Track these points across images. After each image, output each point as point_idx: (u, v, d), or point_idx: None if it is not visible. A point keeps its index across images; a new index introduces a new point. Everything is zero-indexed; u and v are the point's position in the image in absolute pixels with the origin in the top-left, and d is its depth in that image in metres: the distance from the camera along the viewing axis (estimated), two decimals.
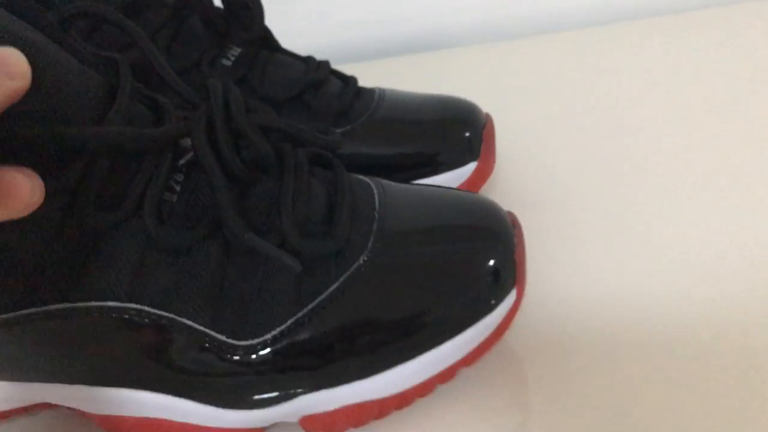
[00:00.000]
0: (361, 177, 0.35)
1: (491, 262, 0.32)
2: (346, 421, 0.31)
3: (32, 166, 0.24)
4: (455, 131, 0.43)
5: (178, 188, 0.29)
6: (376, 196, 0.33)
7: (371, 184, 0.34)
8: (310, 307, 0.30)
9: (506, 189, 0.47)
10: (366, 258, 0.31)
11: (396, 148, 0.41)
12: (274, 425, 0.32)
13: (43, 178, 0.24)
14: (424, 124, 0.42)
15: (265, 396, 0.30)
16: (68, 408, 0.32)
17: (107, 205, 0.27)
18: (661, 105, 0.55)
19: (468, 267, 0.32)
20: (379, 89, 0.44)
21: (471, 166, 0.43)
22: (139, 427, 0.31)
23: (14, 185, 0.23)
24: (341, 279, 0.30)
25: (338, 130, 0.41)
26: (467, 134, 0.43)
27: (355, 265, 0.30)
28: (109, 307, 0.28)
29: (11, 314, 0.28)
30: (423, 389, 0.32)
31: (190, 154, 0.29)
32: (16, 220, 0.24)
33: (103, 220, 0.27)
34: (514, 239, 0.33)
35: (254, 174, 0.31)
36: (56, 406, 0.33)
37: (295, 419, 0.31)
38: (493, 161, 0.45)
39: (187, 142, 0.30)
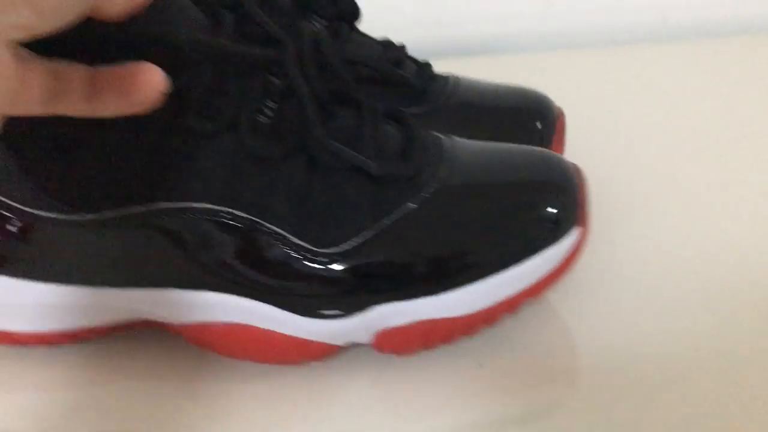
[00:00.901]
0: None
1: (556, 197, 0.34)
2: (417, 339, 0.33)
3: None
4: (528, 120, 0.44)
5: (269, 113, 0.32)
6: (445, 141, 0.36)
7: (440, 134, 0.37)
8: (386, 222, 0.32)
9: None
10: (437, 185, 0.33)
11: (469, 133, 0.43)
12: (349, 348, 0.34)
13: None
14: (497, 111, 0.44)
15: (343, 304, 0.32)
16: (160, 327, 0.35)
17: (208, 115, 0.30)
18: (719, 118, 0.57)
19: (533, 201, 0.34)
20: (453, 76, 0.46)
21: None
22: (225, 333, 0.33)
23: (147, 76, 0.26)
24: (414, 200, 0.32)
25: (414, 109, 0.43)
26: (538, 124, 0.44)
27: (428, 190, 0.33)
28: (204, 209, 0.31)
29: (116, 211, 0.31)
30: (489, 316, 0.34)
31: (281, 84, 0.32)
32: (128, 118, 0.27)
33: (204, 127, 0.30)
34: (577, 183, 0.35)
35: (335, 107, 0.33)
36: (150, 324, 0.35)
37: (368, 337, 0.33)
38: (562, 154, 0.46)
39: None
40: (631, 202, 0.46)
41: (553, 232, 0.34)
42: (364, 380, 0.34)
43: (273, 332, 0.33)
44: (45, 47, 0.24)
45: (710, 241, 0.42)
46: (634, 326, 0.36)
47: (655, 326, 0.36)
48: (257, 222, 0.31)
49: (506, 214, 0.33)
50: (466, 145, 0.36)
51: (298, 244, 0.31)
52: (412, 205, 0.32)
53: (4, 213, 0.32)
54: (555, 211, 0.34)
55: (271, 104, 0.32)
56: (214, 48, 0.30)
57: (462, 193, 0.33)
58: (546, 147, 0.43)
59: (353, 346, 0.34)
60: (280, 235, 0.31)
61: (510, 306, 0.34)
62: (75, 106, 0.25)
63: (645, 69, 0.68)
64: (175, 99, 0.29)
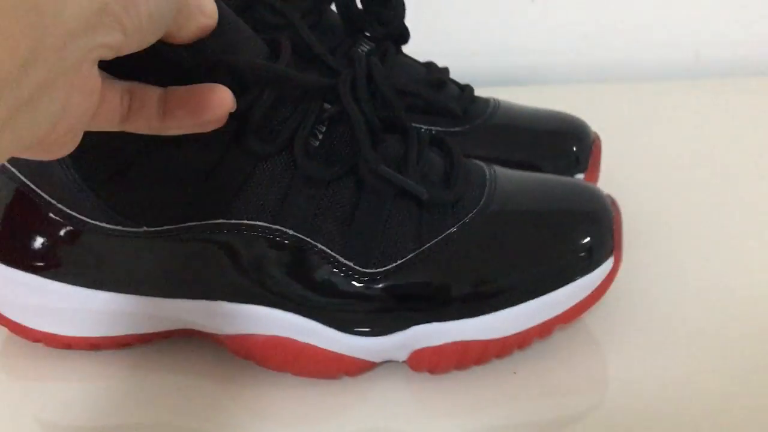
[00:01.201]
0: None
1: (591, 228, 0.35)
2: (451, 359, 0.34)
3: None
4: (564, 143, 0.46)
5: (320, 136, 0.34)
6: (486, 170, 0.37)
7: (481, 162, 0.38)
8: (428, 245, 0.33)
9: None
10: (478, 212, 0.34)
11: (508, 153, 0.44)
12: (384, 364, 0.36)
13: None
14: (535, 133, 0.46)
15: (383, 322, 0.33)
16: (202, 335, 0.36)
17: (265, 137, 0.32)
18: (747, 153, 0.58)
19: (570, 230, 0.35)
20: (494, 99, 0.48)
21: (578, 178, 0.45)
22: (267, 345, 0.34)
23: (218, 96, 0.27)
24: (456, 226, 0.34)
25: (455, 129, 0.45)
26: (575, 147, 0.46)
27: (469, 216, 0.34)
28: (258, 226, 0.32)
29: (174, 226, 0.32)
30: (522, 339, 0.35)
31: (332, 110, 0.34)
32: (191, 137, 0.29)
33: (262, 149, 0.32)
34: (612, 214, 0.36)
35: (383, 133, 0.35)
36: (193, 333, 0.37)
37: (404, 356, 0.34)
38: (597, 178, 0.48)
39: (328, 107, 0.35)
40: (661, 228, 0.47)
41: (587, 261, 0.35)
42: (399, 383, 0.35)
43: (313, 346, 0.34)
44: (120, 67, 0.26)
45: (740, 272, 0.43)
46: (662, 349, 0.37)
47: (681, 351, 0.37)
48: (306, 240, 0.32)
49: (543, 243, 0.34)
50: (505, 174, 0.37)
51: (344, 264, 0.33)
52: (452, 230, 0.34)
53: (63, 221, 0.33)
54: (590, 241, 0.35)
55: (321, 128, 0.34)
56: (274, 74, 0.31)
57: (501, 220, 0.35)
58: (582, 170, 0.45)
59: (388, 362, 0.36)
60: (328, 253, 0.33)
61: (543, 331, 0.35)
62: (148, 124, 0.27)
63: (677, 103, 0.69)
64: (235, 121, 0.31)
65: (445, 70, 0.47)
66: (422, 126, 0.43)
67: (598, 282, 0.36)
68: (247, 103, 0.31)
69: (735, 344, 0.37)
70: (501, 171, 0.38)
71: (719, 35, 0.78)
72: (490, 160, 0.41)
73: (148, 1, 0.22)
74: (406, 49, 0.47)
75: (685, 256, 0.44)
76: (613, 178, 0.48)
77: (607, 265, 0.36)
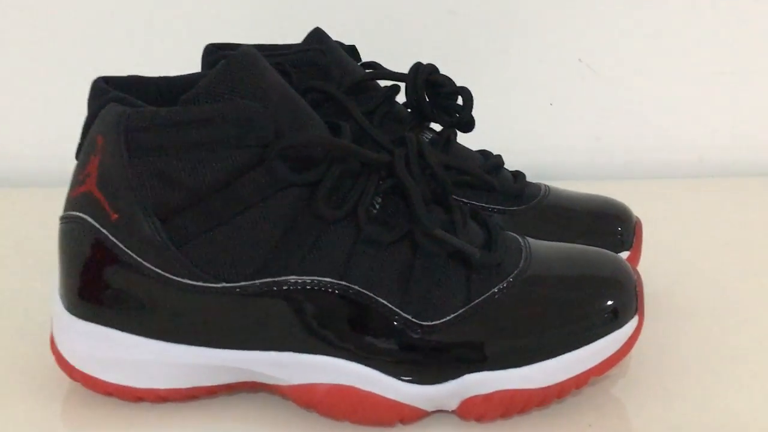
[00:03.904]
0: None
1: (618, 291, 0.39)
2: (498, 408, 0.38)
3: (297, 163, 0.35)
4: (609, 225, 0.51)
5: (377, 206, 0.39)
6: (520, 239, 0.42)
7: (515, 233, 0.43)
8: (475, 302, 0.37)
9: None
10: (517, 274, 0.39)
11: (560, 233, 0.48)
12: (434, 414, 0.39)
13: (298, 171, 0.35)
14: (585, 215, 0.51)
15: (437, 371, 0.37)
16: (266, 388, 0.40)
17: (332, 204, 0.37)
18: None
19: (599, 294, 0.39)
20: (545, 184, 0.53)
21: (623, 255, 0.49)
22: (330, 393, 0.37)
23: None
24: (499, 286, 0.38)
25: (513, 209, 0.49)
26: (619, 228, 0.50)
27: (510, 278, 0.39)
28: (326, 282, 0.37)
29: (250, 282, 0.37)
30: (560, 390, 0.38)
31: (388, 183, 0.39)
32: (268, 202, 0.35)
33: (330, 214, 0.36)
34: (635, 279, 0.41)
35: (431, 205, 0.40)
36: (257, 386, 0.40)
37: (455, 404, 0.38)
38: (639, 257, 0.52)
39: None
40: (682, 302, 0.52)
41: (615, 319, 0.39)
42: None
43: (373, 394, 0.37)
44: None
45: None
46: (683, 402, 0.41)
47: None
48: (369, 295, 0.37)
49: (577, 303, 0.39)
50: (539, 243, 0.42)
51: (404, 317, 0.37)
52: (495, 290, 0.38)
53: (145, 277, 0.37)
54: (617, 302, 0.39)
55: (378, 200, 0.39)
56: (341, 149, 0.37)
57: (537, 282, 0.39)
58: (627, 248, 0.50)
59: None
60: (388, 307, 0.37)
61: (578, 382, 0.39)
62: None
63: (681, 201, 0.76)
64: (308, 189, 0.36)
65: (499, 157, 0.52)
66: (480, 204, 0.48)
67: (626, 338, 0.39)
68: (318, 174, 0.36)
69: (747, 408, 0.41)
70: (533, 241, 0.42)
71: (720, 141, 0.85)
72: (544, 239, 0.44)
73: None
74: None
75: (704, 332, 0.49)
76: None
77: (632, 324, 0.40)
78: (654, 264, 0.51)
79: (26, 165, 0.81)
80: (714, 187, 0.80)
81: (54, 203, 0.44)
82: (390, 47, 0.66)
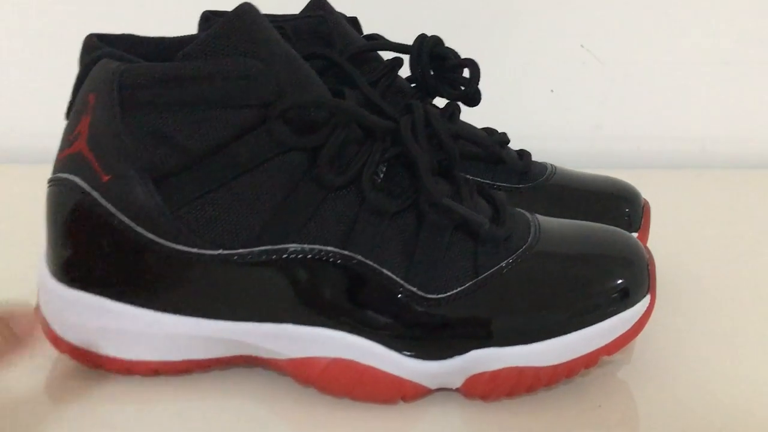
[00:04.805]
0: None
1: (628, 270, 0.38)
2: (505, 385, 0.36)
3: (299, 126, 0.33)
4: (619, 206, 0.49)
5: (382, 175, 0.37)
6: (528, 215, 0.40)
7: (523, 210, 0.42)
8: (483, 276, 0.36)
9: None
10: (526, 248, 0.37)
11: (566, 212, 0.47)
12: (437, 392, 0.37)
13: (300, 135, 0.34)
14: (592, 195, 0.49)
15: (443, 346, 0.35)
16: (262, 363, 0.38)
17: (335, 171, 0.35)
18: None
19: (611, 271, 0.38)
20: (550, 164, 0.51)
21: None
22: (329, 368, 0.36)
23: None
24: (508, 260, 0.37)
25: (518, 186, 0.48)
26: (627, 209, 0.49)
27: (518, 252, 0.37)
28: (328, 251, 0.35)
29: (248, 249, 0.35)
30: (570, 369, 0.37)
31: (393, 150, 0.37)
32: (269, 165, 0.33)
33: (332, 181, 0.35)
34: (647, 258, 0.39)
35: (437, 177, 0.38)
36: (252, 360, 0.38)
37: (459, 382, 0.36)
38: (647, 239, 0.50)
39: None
40: (690, 285, 0.51)
41: (627, 298, 0.37)
42: (452, 409, 0.37)
43: (374, 369, 0.36)
44: None
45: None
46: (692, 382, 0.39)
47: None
48: (373, 266, 0.35)
49: (587, 280, 0.37)
50: (549, 220, 0.40)
51: (408, 289, 0.35)
52: (504, 264, 0.36)
53: (138, 243, 0.35)
54: (628, 281, 0.38)
55: (383, 168, 0.37)
56: (346, 112, 0.35)
57: (547, 258, 0.37)
58: (635, 230, 0.49)
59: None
60: (393, 279, 0.35)
61: (588, 361, 0.37)
62: None
63: (683, 191, 0.75)
64: (310, 154, 0.35)
65: (504, 134, 0.51)
66: (486, 181, 0.47)
67: (637, 318, 0.38)
68: (321, 139, 0.34)
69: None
70: (542, 218, 0.41)
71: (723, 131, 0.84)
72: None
73: None
74: None
75: (711, 309, 0.48)
76: None
77: (644, 303, 0.38)
78: (662, 246, 0.50)
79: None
80: (716, 179, 0.79)
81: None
82: (390, 26, 0.65)
